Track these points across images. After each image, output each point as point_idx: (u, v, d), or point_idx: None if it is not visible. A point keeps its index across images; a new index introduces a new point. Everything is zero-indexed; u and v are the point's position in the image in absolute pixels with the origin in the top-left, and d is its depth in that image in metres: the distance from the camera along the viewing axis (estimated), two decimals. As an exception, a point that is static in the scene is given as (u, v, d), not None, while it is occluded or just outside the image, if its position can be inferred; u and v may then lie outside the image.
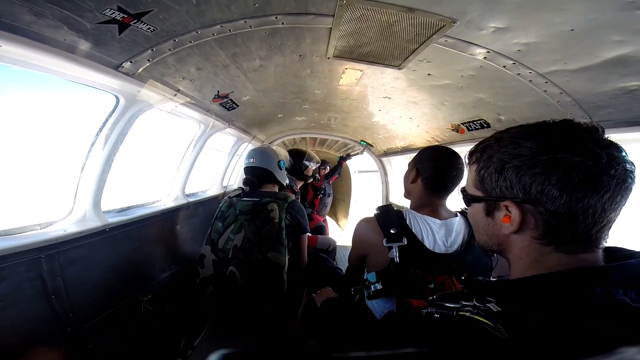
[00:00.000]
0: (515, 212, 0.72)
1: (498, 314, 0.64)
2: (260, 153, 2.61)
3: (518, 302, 0.66)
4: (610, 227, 0.67)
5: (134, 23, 1.37)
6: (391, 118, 3.35)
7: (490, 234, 0.82)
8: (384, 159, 5.28)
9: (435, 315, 0.77)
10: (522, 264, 0.76)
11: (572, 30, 1.21)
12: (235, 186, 4.90)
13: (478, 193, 0.82)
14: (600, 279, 0.63)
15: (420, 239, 1.43)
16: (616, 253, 0.72)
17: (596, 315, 0.56)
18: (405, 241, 1.40)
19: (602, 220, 0.64)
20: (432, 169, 1.57)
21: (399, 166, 5.00)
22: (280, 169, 2.63)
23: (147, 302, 2.35)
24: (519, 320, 0.59)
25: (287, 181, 2.78)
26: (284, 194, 2.46)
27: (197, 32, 1.60)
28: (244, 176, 2.59)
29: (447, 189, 1.58)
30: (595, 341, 0.50)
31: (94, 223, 1.98)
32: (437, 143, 3.05)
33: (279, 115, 4.04)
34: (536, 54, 1.46)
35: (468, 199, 0.86)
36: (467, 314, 0.68)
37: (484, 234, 0.84)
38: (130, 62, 1.65)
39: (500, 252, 0.83)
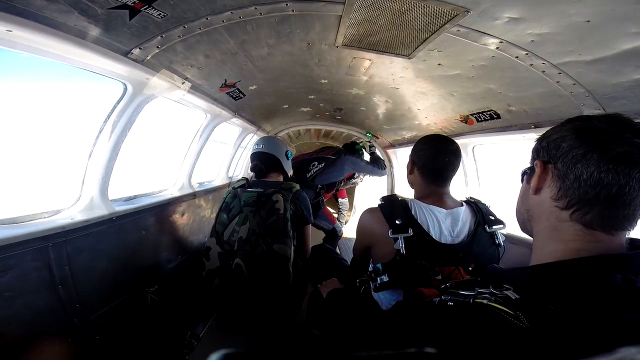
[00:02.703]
0: (539, 169, 0.76)
1: (517, 302, 0.62)
2: (270, 140, 2.63)
3: (536, 289, 0.65)
4: (627, 208, 0.65)
5: (145, 9, 1.36)
6: (398, 109, 3.33)
7: (523, 198, 0.86)
8: (390, 151, 5.27)
9: (449, 303, 0.76)
10: (542, 232, 0.77)
11: (588, 21, 1.19)
12: (241, 177, 4.90)
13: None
14: (620, 266, 0.62)
15: (426, 230, 1.41)
16: (634, 242, 0.71)
17: (618, 302, 0.55)
18: (410, 232, 1.38)
19: (605, 187, 0.64)
20: (425, 158, 1.57)
21: (405, 158, 4.96)
22: (287, 159, 2.63)
23: (153, 293, 2.36)
24: (539, 308, 0.58)
25: (292, 172, 2.77)
26: (289, 184, 2.46)
27: (207, 19, 1.58)
28: (251, 163, 2.60)
29: (443, 176, 1.55)
30: (619, 329, 0.48)
31: (101, 211, 1.98)
32: (444, 134, 3.03)
33: (285, 106, 4.02)
34: (550, 44, 1.43)
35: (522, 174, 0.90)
36: (485, 301, 0.66)
37: (520, 200, 0.88)
38: (140, 48, 1.64)
39: (528, 221, 0.84)
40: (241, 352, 0.41)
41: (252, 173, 2.63)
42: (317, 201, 4.07)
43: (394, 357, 0.48)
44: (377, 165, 4.38)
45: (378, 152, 4.80)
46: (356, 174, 4.68)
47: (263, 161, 2.55)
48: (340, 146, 4.68)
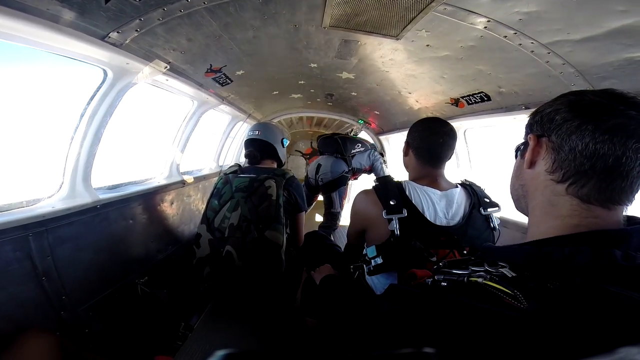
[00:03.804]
0: (532, 142, 0.74)
1: (513, 280, 0.61)
2: (265, 126, 2.57)
3: (533, 266, 0.63)
4: (625, 180, 0.63)
5: (121, -10, 1.31)
6: (389, 93, 3.31)
7: (518, 174, 0.83)
8: (382, 137, 5.25)
9: (443, 283, 0.74)
10: (537, 208, 0.76)
11: None
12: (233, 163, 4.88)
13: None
14: (619, 242, 0.60)
15: (420, 211, 1.41)
16: (632, 220, 0.69)
17: (619, 280, 0.54)
18: (405, 213, 1.37)
19: (601, 157, 0.62)
20: (419, 138, 1.56)
21: (397, 144, 4.98)
22: (283, 146, 2.60)
23: (143, 284, 2.33)
24: (537, 287, 0.56)
25: (285, 159, 2.74)
26: (282, 170, 2.43)
27: (188, 1, 1.54)
28: (245, 149, 2.55)
29: (437, 157, 1.54)
30: (622, 308, 0.46)
31: (83, 199, 1.93)
32: (435, 118, 3.01)
33: (275, 92, 3.98)
34: (538, 23, 1.41)
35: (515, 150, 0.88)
36: (480, 279, 0.65)
37: (514, 176, 0.86)
38: (118, 32, 1.59)
39: (523, 197, 0.82)
40: (241, 352, 0.39)
41: (244, 160, 2.59)
42: (347, 176, 4.44)
43: (390, 357, 0.46)
44: (383, 171, 4.70)
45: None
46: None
47: (258, 148, 2.50)
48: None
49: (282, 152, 2.60)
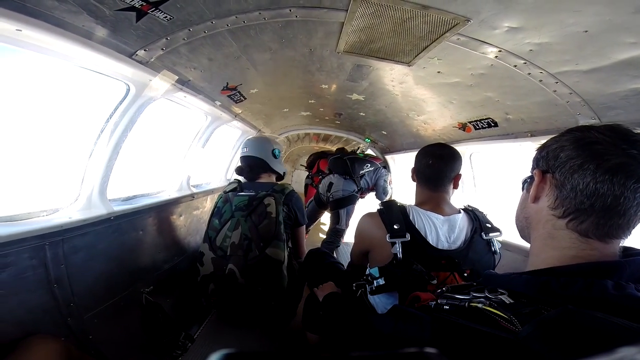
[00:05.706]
0: (537, 179, 0.78)
1: (510, 306, 0.64)
2: (254, 142, 2.59)
3: (530, 294, 0.67)
4: (622, 217, 0.66)
5: (152, 11, 1.38)
6: (397, 115, 3.36)
7: (522, 207, 0.87)
8: (388, 157, 5.29)
9: (445, 307, 0.78)
10: (539, 239, 0.79)
11: (586, 31, 1.21)
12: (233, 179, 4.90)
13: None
14: (612, 272, 0.64)
15: (423, 235, 1.44)
16: (627, 250, 0.73)
17: (608, 308, 0.57)
18: (408, 237, 1.41)
19: (601, 197, 0.66)
20: (417, 162, 1.65)
21: (403, 164, 5.02)
22: (275, 158, 2.60)
23: (148, 293, 2.35)
24: (532, 312, 0.60)
25: (285, 170, 2.77)
26: (281, 186, 2.45)
27: (212, 23, 1.61)
28: (240, 166, 2.61)
29: (434, 180, 1.60)
30: (609, 333, 0.50)
31: (99, 211, 1.97)
32: (442, 141, 3.05)
33: (285, 110, 4.05)
34: (548, 54, 1.46)
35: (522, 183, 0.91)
36: (480, 305, 0.68)
37: (519, 208, 0.90)
38: (145, 50, 1.66)
39: (527, 228, 0.86)
40: (241, 352, 0.42)
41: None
42: (356, 196, 4.57)
43: (393, 357, 0.49)
44: (385, 192, 4.82)
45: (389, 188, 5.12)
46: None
47: (249, 164, 2.54)
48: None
49: (275, 164, 2.59)
